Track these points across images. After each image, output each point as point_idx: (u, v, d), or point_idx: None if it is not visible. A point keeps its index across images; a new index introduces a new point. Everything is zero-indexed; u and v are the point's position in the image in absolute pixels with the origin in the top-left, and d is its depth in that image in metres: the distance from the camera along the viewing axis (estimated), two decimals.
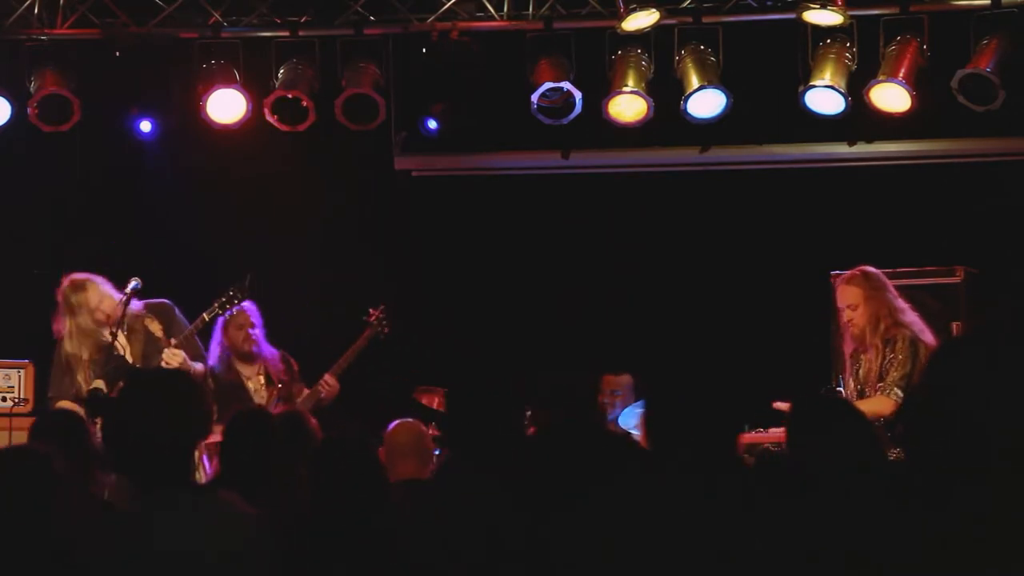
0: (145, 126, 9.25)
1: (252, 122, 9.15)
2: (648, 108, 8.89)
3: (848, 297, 7.35)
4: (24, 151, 9.51)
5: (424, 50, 9.02)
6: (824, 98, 8.76)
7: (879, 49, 8.69)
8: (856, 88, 8.71)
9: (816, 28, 8.67)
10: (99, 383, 7.69)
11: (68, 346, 7.88)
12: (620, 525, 3.49)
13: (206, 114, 9.13)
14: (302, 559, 4.22)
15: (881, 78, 8.65)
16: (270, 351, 8.53)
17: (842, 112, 8.75)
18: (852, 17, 8.56)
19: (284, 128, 9.10)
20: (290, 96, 9.04)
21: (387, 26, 9.15)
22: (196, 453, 6.92)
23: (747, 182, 9.95)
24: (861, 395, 7.25)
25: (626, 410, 8.76)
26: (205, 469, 7.39)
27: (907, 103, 8.62)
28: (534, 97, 8.87)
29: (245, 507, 3.77)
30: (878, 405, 7.00)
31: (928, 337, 7.22)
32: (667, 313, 9.73)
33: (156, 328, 7.91)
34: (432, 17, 9.02)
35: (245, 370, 8.52)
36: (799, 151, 9.85)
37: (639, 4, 8.57)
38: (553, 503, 3.76)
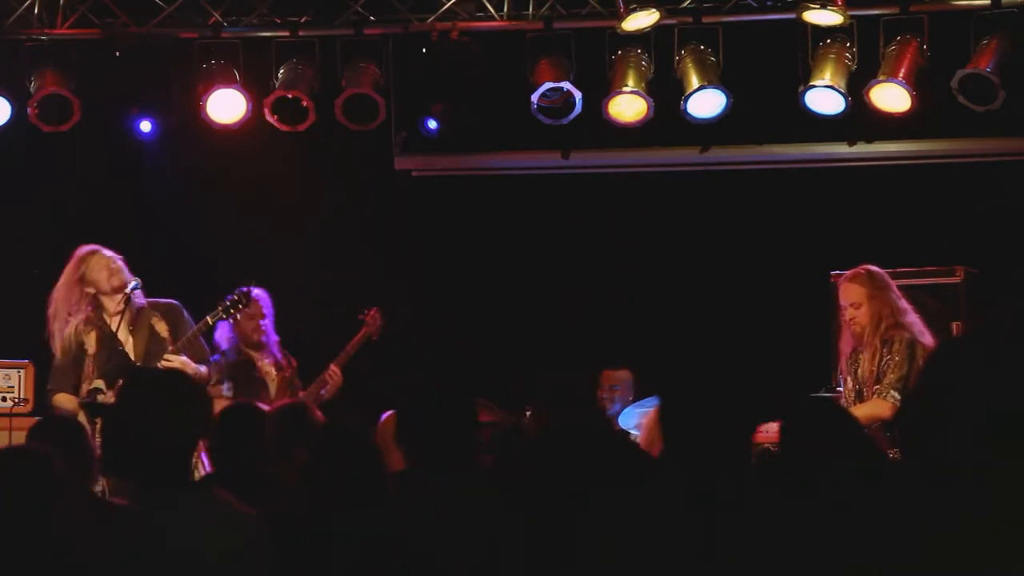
0: (145, 126, 9.25)
1: (252, 122, 9.15)
2: (648, 108, 8.89)
3: (851, 295, 7.33)
4: (24, 151, 9.51)
5: (424, 50, 9.02)
6: (824, 98, 8.76)
7: (879, 49, 8.69)
8: (856, 88, 8.71)
9: (816, 28, 8.66)
10: (99, 383, 7.67)
11: (71, 334, 7.83)
12: (620, 526, 3.49)
13: (206, 114, 9.13)
14: (302, 559, 4.22)
15: (881, 78, 8.64)
16: (275, 341, 8.62)
17: (842, 112, 8.75)
18: (852, 17, 8.56)
19: (284, 128, 9.10)
20: (290, 96, 9.04)
21: (387, 26, 9.15)
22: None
23: (747, 182, 9.95)
24: (859, 394, 7.24)
25: (626, 410, 8.76)
26: (204, 468, 7.39)
27: (907, 103, 8.62)
28: (534, 97, 8.87)
29: (244, 507, 3.77)
30: (875, 408, 6.99)
31: (927, 339, 7.20)
32: (667, 313, 9.72)
33: (162, 328, 7.90)
34: (432, 17, 9.02)
35: (254, 355, 8.61)
36: (799, 151, 9.84)
37: (639, 4, 8.57)
38: (553, 504, 3.76)
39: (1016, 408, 2.62)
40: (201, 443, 5.03)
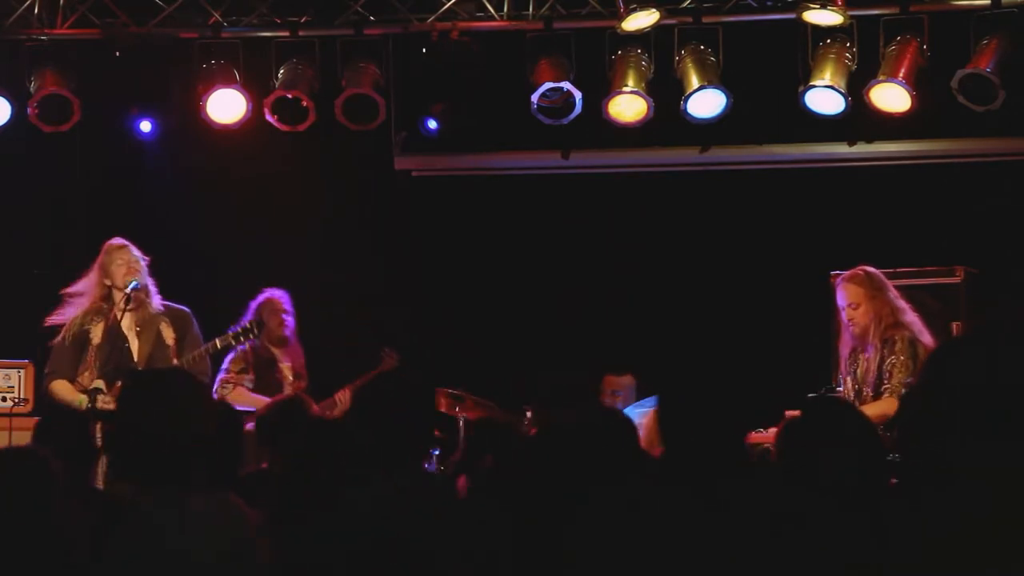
0: (145, 126, 9.25)
1: (252, 122, 9.15)
2: (648, 108, 8.88)
3: (850, 296, 7.35)
4: (24, 151, 9.51)
5: (424, 50, 9.02)
6: (824, 98, 8.76)
7: (879, 49, 8.69)
8: (856, 88, 8.71)
9: (816, 28, 8.66)
10: (99, 383, 7.67)
11: (79, 320, 7.82)
12: (620, 526, 3.49)
13: (206, 114, 9.13)
14: (301, 558, 4.22)
15: (881, 78, 8.64)
16: (295, 342, 8.70)
17: (842, 112, 8.75)
18: (852, 17, 8.56)
19: (284, 128, 9.10)
20: (290, 96, 9.04)
21: (387, 26, 9.15)
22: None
23: (747, 182, 9.95)
24: (859, 395, 7.25)
25: (626, 410, 8.75)
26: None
27: (907, 103, 8.62)
28: (534, 97, 8.87)
29: (244, 507, 3.77)
30: (887, 406, 7.00)
31: (927, 338, 7.23)
32: (667, 313, 9.72)
33: (169, 335, 7.87)
34: (432, 17, 9.02)
35: (277, 353, 8.68)
36: (799, 151, 9.84)
37: (639, 4, 8.57)
38: (553, 504, 3.76)
39: (1016, 408, 2.62)
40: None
